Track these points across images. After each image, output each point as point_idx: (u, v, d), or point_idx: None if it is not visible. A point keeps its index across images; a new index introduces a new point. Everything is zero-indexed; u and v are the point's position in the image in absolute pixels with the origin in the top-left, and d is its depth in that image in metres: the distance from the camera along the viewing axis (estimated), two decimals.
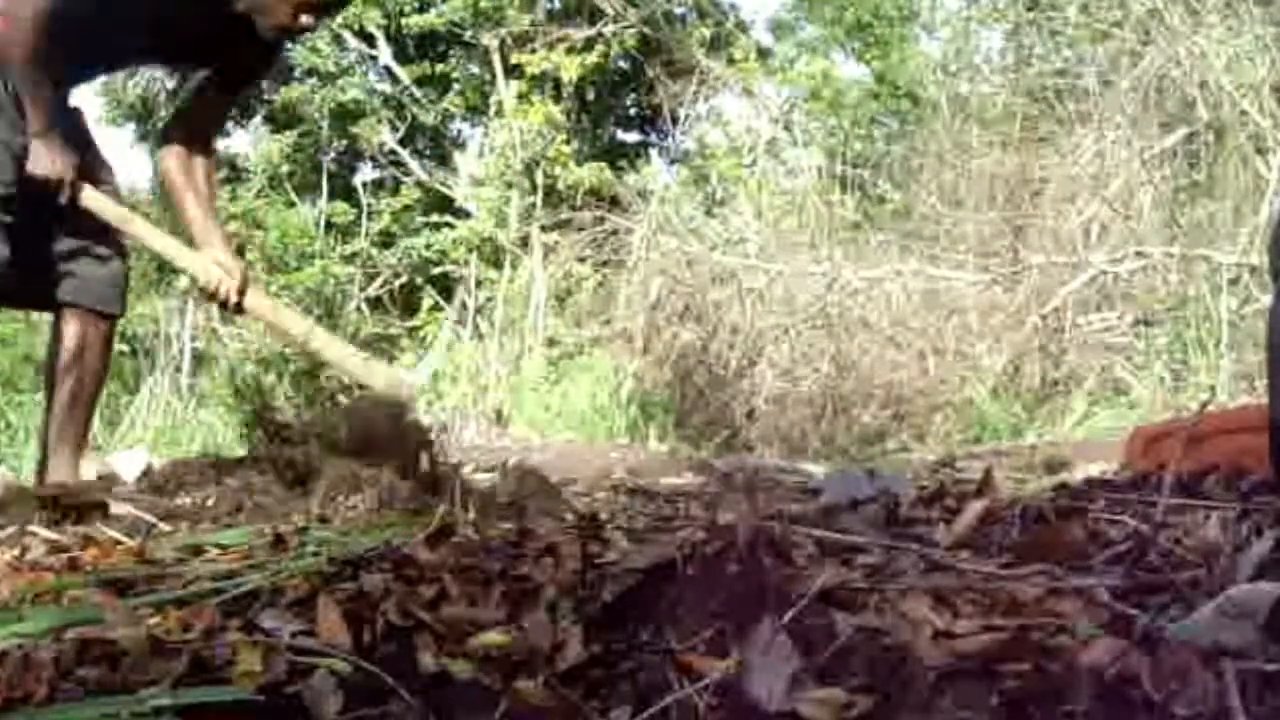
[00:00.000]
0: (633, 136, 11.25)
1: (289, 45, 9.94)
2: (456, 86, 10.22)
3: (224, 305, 2.47)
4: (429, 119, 10.10)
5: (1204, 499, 1.58)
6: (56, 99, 2.36)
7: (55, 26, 2.22)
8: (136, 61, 2.68)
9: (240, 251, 9.39)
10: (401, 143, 10.08)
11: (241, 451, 2.14)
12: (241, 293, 2.45)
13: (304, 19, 2.33)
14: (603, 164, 9.26)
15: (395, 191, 10.22)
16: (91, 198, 2.42)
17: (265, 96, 10.64)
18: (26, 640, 0.96)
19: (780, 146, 8.93)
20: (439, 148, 10.65)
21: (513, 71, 9.31)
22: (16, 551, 1.49)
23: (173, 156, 2.52)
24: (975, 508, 1.45)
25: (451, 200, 9.63)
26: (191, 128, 2.55)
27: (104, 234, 2.46)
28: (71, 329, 2.45)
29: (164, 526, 1.79)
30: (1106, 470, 2.50)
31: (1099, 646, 0.90)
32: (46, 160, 2.29)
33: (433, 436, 1.99)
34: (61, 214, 2.36)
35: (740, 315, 6.42)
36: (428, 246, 9.36)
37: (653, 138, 11.02)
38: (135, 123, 12.22)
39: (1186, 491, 1.64)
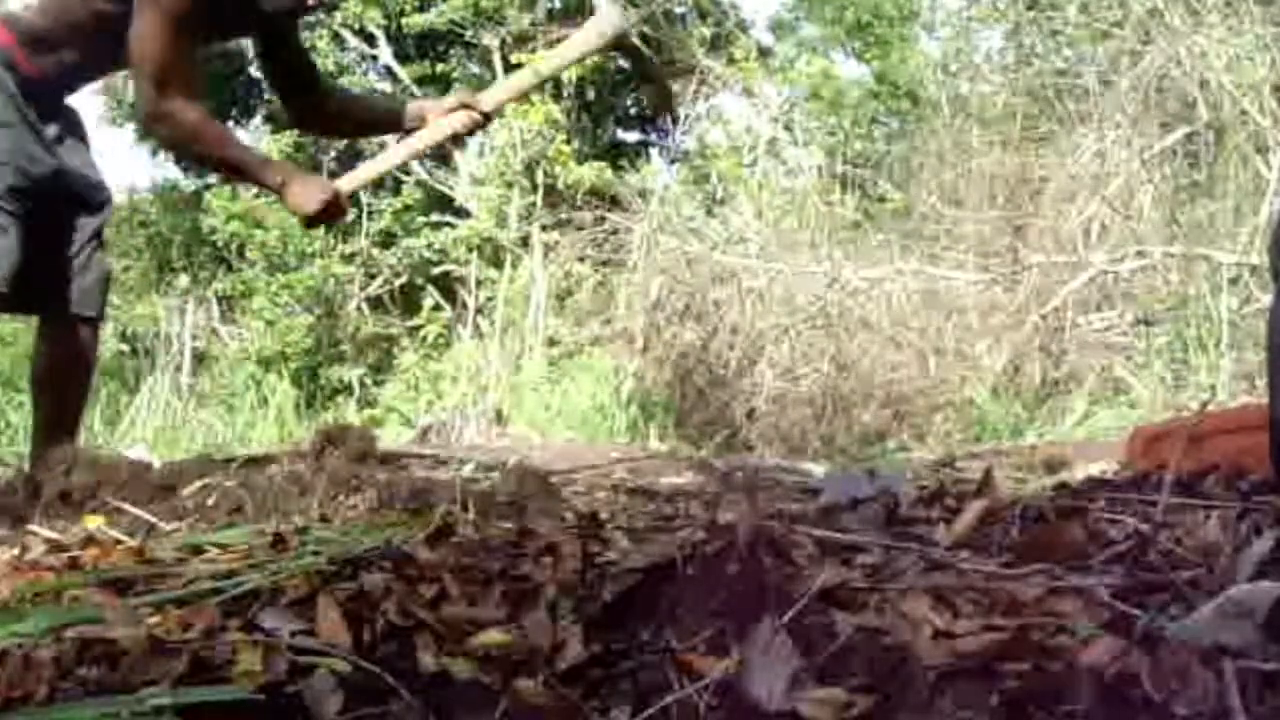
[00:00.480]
0: (633, 136, 11.26)
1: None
2: (457, 86, 10.21)
3: (481, 126, 2.56)
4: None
5: (1204, 499, 1.58)
6: (233, 135, 2.40)
7: (184, 72, 2.19)
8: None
9: (241, 251, 9.42)
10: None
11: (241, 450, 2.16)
12: (482, 110, 2.53)
13: (310, 1, 2.39)
14: (603, 163, 9.26)
15: (395, 191, 10.22)
16: (354, 180, 2.52)
17: (265, 96, 10.65)
18: (26, 640, 0.96)
19: (780, 146, 8.93)
20: (439, 147, 10.64)
21: (513, 71, 9.31)
22: (16, 551, 1.49)
23: (310, 109, 2.57)
24: (975, 508, 1.45)
25: (452, 200, 9.63)
26: (295, 86, 2.57)
27: (96, 238, 2.45)
28: (77, 335, 2.45)
29: (164, 526, 1.79)
30: (1106, 470, 2.50)
31: (1099, 646, 0.90)
32: (307, 202, 2.28)
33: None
34: (58, 218, 2.34)
35: (740, 315, 6.42)
36: (428, 246, 9.36)
37: (653, 137, 11.02)
38: (135, 122, 12.23)
39: (1186, 491, 1.64)
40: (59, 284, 2.41)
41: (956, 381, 5.62)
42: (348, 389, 8.80)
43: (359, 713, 0.91)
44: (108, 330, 9.33)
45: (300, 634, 1.02)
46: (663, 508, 2.07)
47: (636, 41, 2.45)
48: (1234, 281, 5.20)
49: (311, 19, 8.42)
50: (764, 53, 10.74)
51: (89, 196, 2.44)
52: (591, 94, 9.93)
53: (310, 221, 2.34)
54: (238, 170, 2.38)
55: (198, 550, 1.44)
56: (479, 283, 8.75)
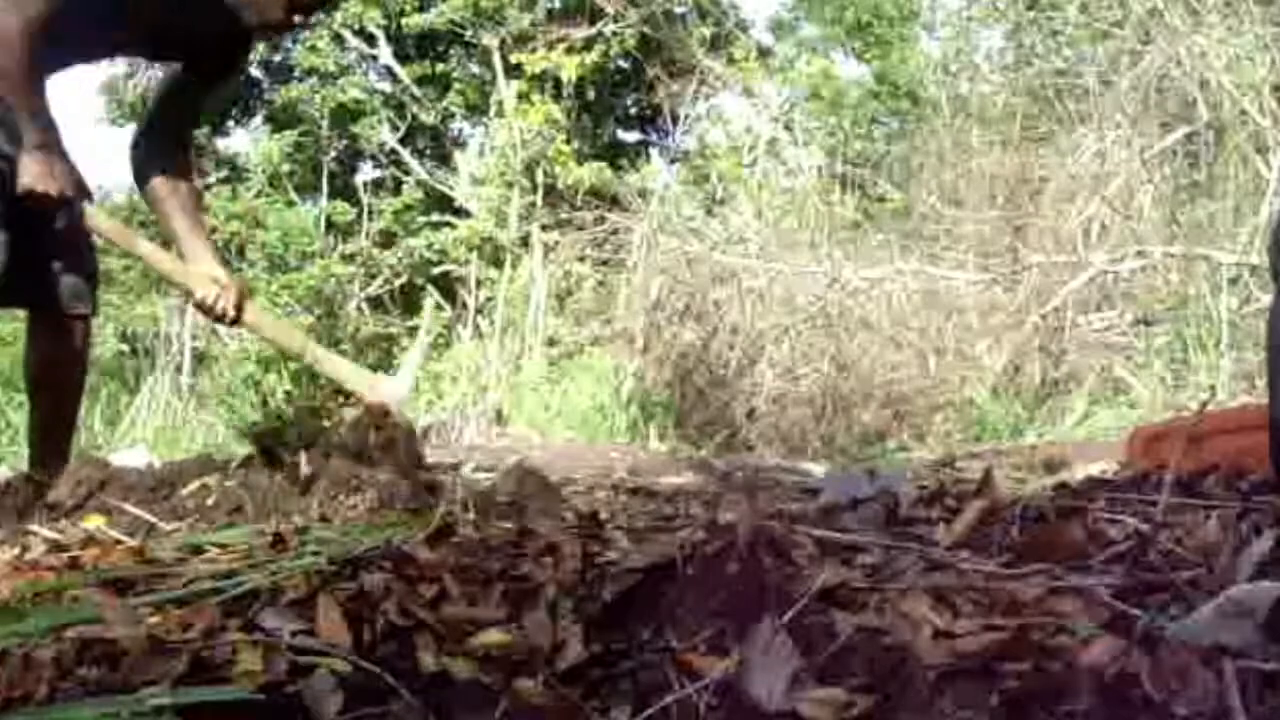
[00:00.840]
0: (633, 136, 11.26)
1: (287, 44, 9.96)
2: (457, 86, 10.22)
3: (221, 319, 2.44)
4: (429, 118, 10.11)
5: (1204, 499, 1.58)
6: (48, 106, 2.25)
7: (44, 29, 2.13)
8: (115, 53, 2.58)
9: (241, 251, 9.42)
10: (402, 142, 10.08)
11: (241, 450, 2.14)
12: (239, 307, 2.41)
13: (296, 17, 2.29)
14: (603, 163, 9.26)
15: (396, 191, 10.22)
16: (94, 215, 2.38)
17: (265, 96, 10.65)
18: (26, 640, 0.96)
19: (780, 146, 8.93)
20: (439, 147, 10.65)
21: (513, 71, 9.31)
22: (16, 551, 1.49)
23: (154, 168, 2.46)
24: (975, 508, 1.45)
25: (452, 200, 9.63)
26: (165, 133, 2.49)
27: (85, 234, 2.43)
28: (70, 333, 2.43)
29: (164, 526, 1.79)
30: (1106, 470, 2.49)
31: (1099, 646, 0.90)
32: (45, 174, 2.17)
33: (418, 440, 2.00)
34: (49, 216, 2.30)
35: (740, 315, 6.42)
36: (428, 246, 9.37)
37: (653, 137, 11.03)
38: (135, 122, 12.20)
39: (1186, 491, 1.64)
40: (46, 280, 2.38)
41: (956, 381, 5.62)
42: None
43: (359, 713, 0.91)
44: (108, 330, 9.32)
45: (300, 634, 1.02)
46: (663, 508, 2.07)
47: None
48: (1234, 281, 5.20)
49: (313, 20, 8.40)
50: (764, 53, 10.75)
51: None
52: (591, 94, 9.94)
53: (24, 194, 2.19)
54: (18, 103, 2.20)
55: (198, 550, 1.44)
56: (479, 283, 8.75)
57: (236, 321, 2.43)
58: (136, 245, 2.47)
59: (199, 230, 2.53)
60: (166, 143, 2.50)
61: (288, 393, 7.47)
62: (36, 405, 2.47)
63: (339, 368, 2.64)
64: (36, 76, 2.20)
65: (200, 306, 2.42)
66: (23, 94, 2.18)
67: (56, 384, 2.45)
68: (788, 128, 9.14)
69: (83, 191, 2.30)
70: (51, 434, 2.43)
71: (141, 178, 2.52)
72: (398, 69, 10.07)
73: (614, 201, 8.24)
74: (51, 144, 2.20)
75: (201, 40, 2.38)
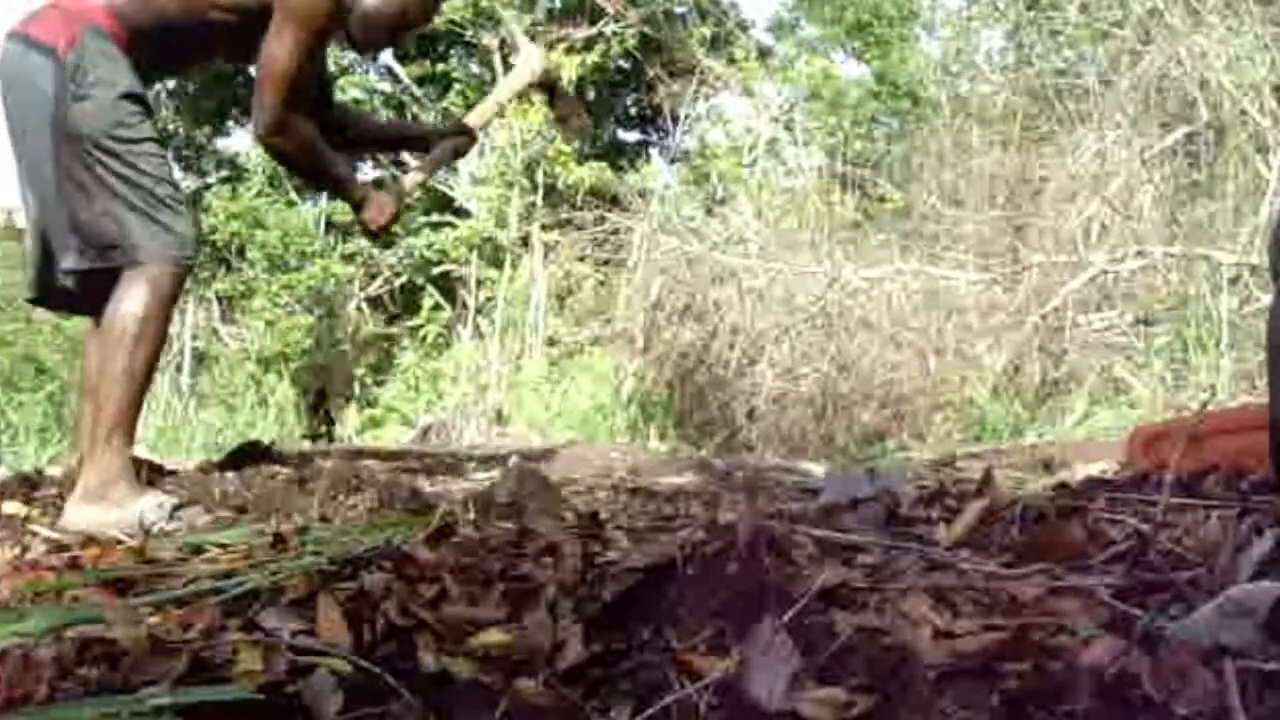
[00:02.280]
0: (633, 136, 11.26)
1: None
2: (457, 86, 10.21)
3: (486, 122, 2.85)
4: (429, 118, 10.10)
5: (1204, 499, 1.58)
6: (339, 160, 2.52)
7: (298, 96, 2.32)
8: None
9: (241, 251, 9.41)
10: None
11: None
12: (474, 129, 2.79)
13: (396, 39, 2.52)
14: (603, 163, 9.26)
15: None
16: (407, 187, 2.73)
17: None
18: (26, 640, 0.96)
19: (780, 146, 8.93)
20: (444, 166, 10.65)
21: (510, 72, 9.32)
22: (17, 551, 1.49)
23: (339, 127, 2.70)
24: (975, 508, 1.45)
25: (452, 199, 9.63)
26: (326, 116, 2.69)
27: None
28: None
29: (164, 526, 1.79)
30: (1106, 470, 2.49)
31: (1099, 646, 0.90)
32: (380, 217, 2.52)
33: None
34: None
35: (740, 315, 6.42)
36: (428, 246, 9.36)
37: (653, 137, 11.03)
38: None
39: (1186, 491, 1.64)
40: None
41: (956, 381, 5.62)
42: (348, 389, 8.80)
43: (359, 713, 0.91)
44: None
45: (300, 634, 1.02)
46: (663, 508, 2.07)
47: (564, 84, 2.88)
48: (1234, 281, 5.19)
49: None
50: (764, 53, 10.75)
51: None
52: (591, 94, 9.94)
53: (373, 233, 2.61)
54: (335, 184, 2.56)
55: (198, 550, 1.44)
56: (479, 283, 8.75)
57: (493, 116, 2.87)
58: (425, 170, 2.87)
59: (384, 124, 2.86)
60: (321, 103, 2.67)
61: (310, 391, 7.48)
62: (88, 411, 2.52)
63: (506, 89, 3.03)
64: (325, 147, 2.43)
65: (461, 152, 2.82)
66: (329, 178, 2.51)
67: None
68: (788, 128, 9.14)
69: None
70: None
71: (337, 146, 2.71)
72: (398, 69, 10.07)
73: (614, 201, 8.24)
74: (366, 191, 2.55)
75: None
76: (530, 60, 2.87)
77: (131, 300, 2.09)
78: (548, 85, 2.90)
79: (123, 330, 2.09)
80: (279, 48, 2.23)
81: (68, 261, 2.19)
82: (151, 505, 1.95)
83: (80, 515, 1.93)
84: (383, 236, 2.65)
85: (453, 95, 10.17)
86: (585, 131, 2.97)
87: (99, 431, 2.07)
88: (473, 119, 2.88)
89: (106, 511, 1.93)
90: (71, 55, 2.11)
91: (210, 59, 2.56)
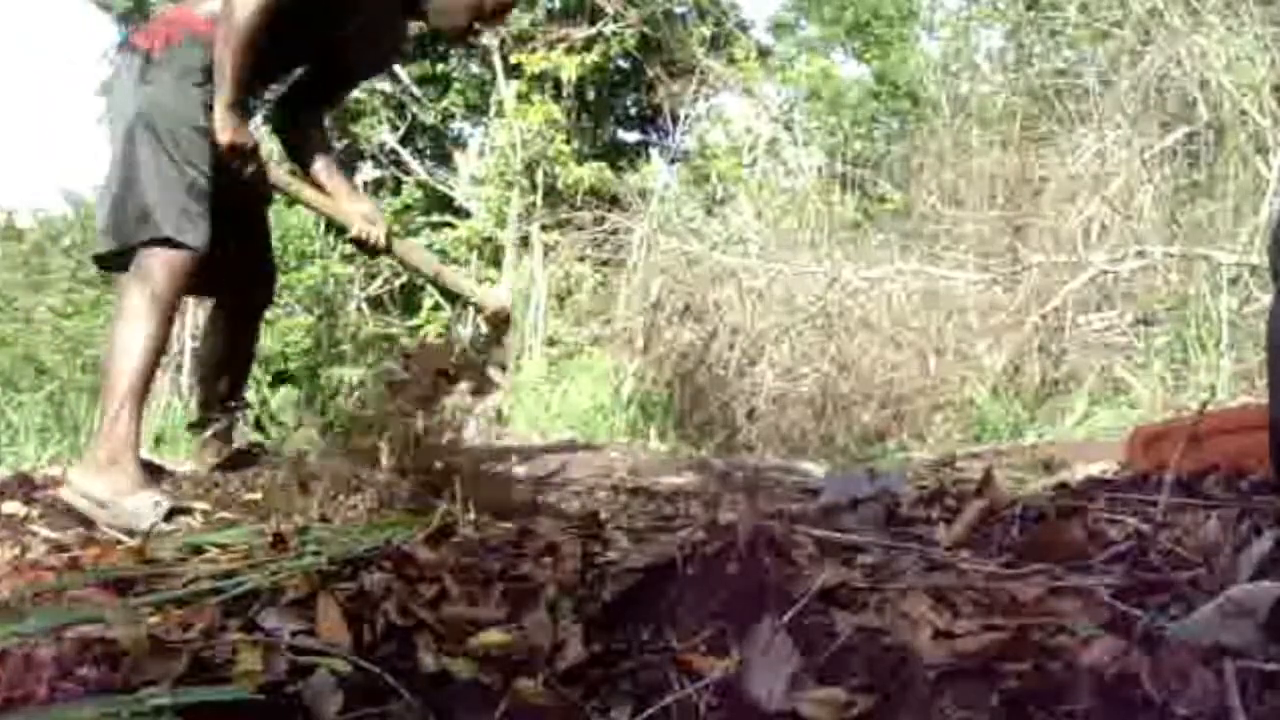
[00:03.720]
0: (633, 136, 11.26)
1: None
2: (457, 86, 10.21)
3: (375, 251, 2.73)
4: (429, 118, 10.11)
5: (1204, 499, 1.58)
6: (252, 79, 2.39)
7: (273, 19, 2.28)
8: (303, 62, 2.73)
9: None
10: (402, 142, 10.08)
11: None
12: (388, 238, 2.69)
13: (478, 25, 2.50)
14: (603, 163, 9.25)
15: (396, 191, 10.22)
16: (274, 171, 2.63)
17: (265, 97, 10.65)
18: (26, 640, 0.96)
19: (780, 146, 8.93)
20: (439, 147, 10.65)
21: (513, 71, 9.31)
22: (16, 551, 1.49)
23: (299, 134, 2.79)
24: (975, 508, 1.45)
25: (452, 200, 9.63)
26: (308, 111, 2.78)
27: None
28: (255, 326, 2.74)
29: (165, 526, 1.79)
30: (1106, 470, 2.49)
31: (1099, 646, 0.90)
32: (231, 133, 2.32)
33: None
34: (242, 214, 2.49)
35: (740, 315, 6.41)
36: (428, 246, 9.36)
37: (653, 137, 11.03)
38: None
39: (1186, 491, 1.64)
40: (241, 274, 2.58)
41: (956, 381, 5.61)
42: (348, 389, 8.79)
43: (359, 712, 0.91)
44: (108, 330, 9.34)
45: (300, 634, 1.02)
46: (663, 508, 2.07)
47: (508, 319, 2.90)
48: (1234, 281, 5.19)
49: None
50: (764, 53, 10.75)
51: (253, 203, 2.66)
52: (591, 94, 9.94)
53: (227, 149, 2.36)
54: (229, 65, 2.31)
55: (198, 550, 1.44)
56: (479, 283, 8.75)
57: (388, 250, 2.72)
58: (302, 191, 2.77)
59: (340, 175, 2.84)
60: (310, 114, 2.79)
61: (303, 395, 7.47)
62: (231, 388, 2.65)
63: (463, 284, 3.09)
64: (252, 50, 2.32)
65: (357, 241, 2.70)
66: (238, 55, 2.32)
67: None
68: (788, 128, 9.13)
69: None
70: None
71: (286, 141, 2.85)
72: (398, 69, 10.06)
73: (614, 201, 8.24)
74: (239, 102, 2.36)
75: (377, 46, 2.64)
76: (499, 298, 2.86)
77: (140, 284, 2.19)
78: (497, 324, 2.82)
79: (130, 312, 2.20)
80: None
81: (97, 247, 2.33)
82: (147, 504, 1.98)
83: (83, 482, 2.02)
84: (235, 162, 2.39)
85: (452, 95, 10.17)
86: (500, 356, 2.90)
87: (108, 406, 2.17)
88: (400, 243, 2.84)
89: (104, 491, 2.00)
90: (160, 54, 2.26)
91: (300, 56, 2.58)
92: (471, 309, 3.06)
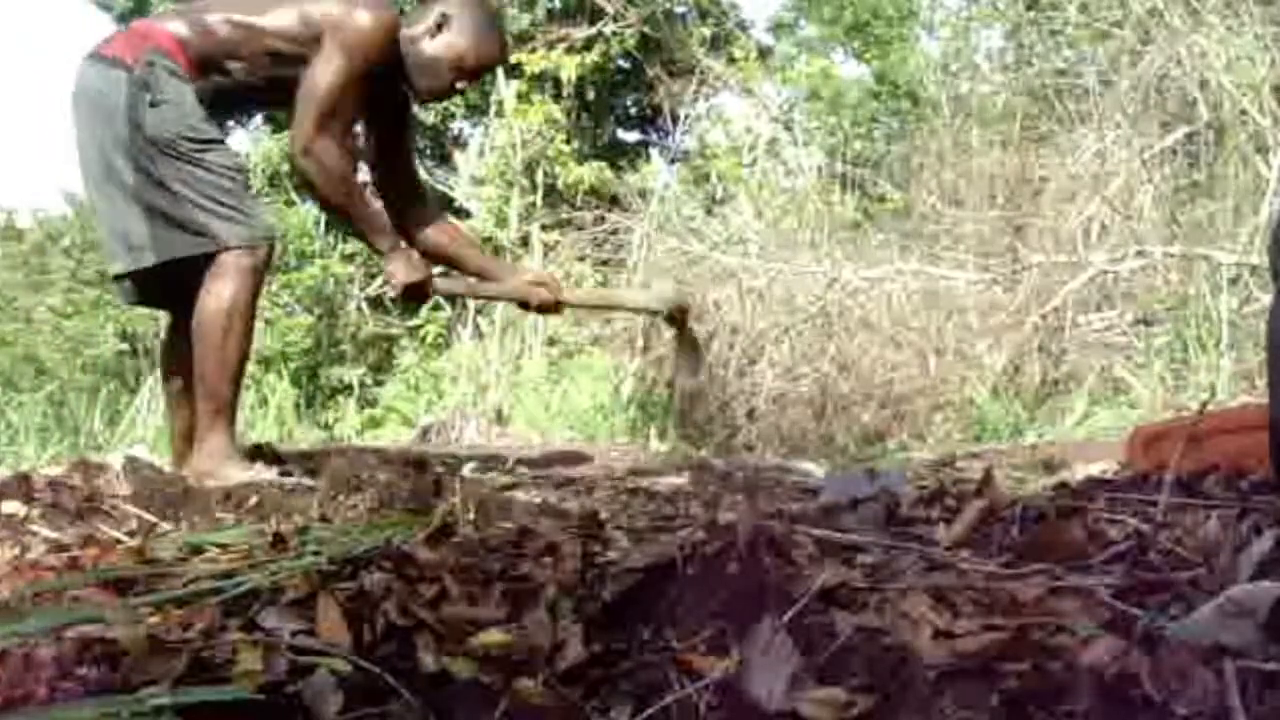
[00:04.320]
0: (633, 136, 11.26)
1: None
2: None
3: (554, 311, 2.79)
4: (429, 118, 10.10)
5: (1204, 499, 1.58)
6: (364, 191, 2.57)
7: (343, 125, 2.41)
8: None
9: None
10: None
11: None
12: (559, 293, 2.74)
13: (459, 84, 2.55)
14: (603, 163, 9.25)
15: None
16: (445, 285, 2.72)
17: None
18: (26, 640, 0.96)
19: (780, 146, 8.92)
20: (439, 147, 10.64)
21: (513, 71, 9.31)
22: (16, 551, 1.49)
23: (416, 224, 2.74)
24: (975, 508, 1.45)
25: (452, 199, 9.62)
26: (402, 180, 2.78)
27: None
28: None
29: (164, 526, 1.79)
30: (1106, 470, 2.50)
31: (1099, 646, 0.90)
32: (406, 275, 2.50)
33: None
34: None
35: (740, 315, 6.41)
36: None
37: (653, 137, 11.03)
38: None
39: (1186, 491, 1.64)
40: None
41: (956, 381, 5.61)
42: (348, 389, 8.80)
43: (359, 713, 0.91)
44: (108, 330, 9.32)
45: (300, 634, 1.02)
46: (663, 508, 2.07)
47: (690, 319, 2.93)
48: (1234, 281, 5.19)
49: None
50: (764, 53, 10.75)
51: None
52: (591, 94, 9.93)
53: (400, 292, 2.56)
54: (358, 223, 2.55)
55: (198, 550, 1.44)
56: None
57: (559, 306, 2.77)
58: (476, 288, 2.81)
59: (482, 253, 2.94)
60: (408, 195, 2.78)
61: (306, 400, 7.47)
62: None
63: (634, 301, 3.23)
64: (357, 185, 2.49)
65: (540, 310, 2.77)
66: (363, 217, 2.51)
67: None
68: (788, 128, 9.13)
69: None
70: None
71: (421, 242, 2.76)
72: None
73: (614, 201, 8.23)
74: (401, 247, 2.54)
75: (382, 104, 2.65)
76: (665, 296, 2.87)
77: (216, 294, 2.27)
78: (680, 322, 2.83)
79: (212, 324, 2.27)
80: (323, 69, 2.34)
81: (117, 266, 2.39)
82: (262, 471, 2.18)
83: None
84: (406, 303, 2.67)
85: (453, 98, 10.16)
86: (695, 390, 3.03)
87: (204, 420, 2.29)
88: (568, 292, 2.86)
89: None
90: (139, 70, 2.29)
91: (275, 95, 2.55)
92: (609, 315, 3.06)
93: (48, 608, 1.14)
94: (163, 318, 2.86)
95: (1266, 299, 4.03)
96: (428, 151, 10.62)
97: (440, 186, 9.69)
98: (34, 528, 1.70)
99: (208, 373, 2.29)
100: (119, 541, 1.57)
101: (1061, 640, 0.94)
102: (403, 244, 2.57)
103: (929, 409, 5.61)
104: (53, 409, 5.93)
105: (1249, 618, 0.90)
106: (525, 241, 8.82)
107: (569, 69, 9.03)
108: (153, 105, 2.28)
